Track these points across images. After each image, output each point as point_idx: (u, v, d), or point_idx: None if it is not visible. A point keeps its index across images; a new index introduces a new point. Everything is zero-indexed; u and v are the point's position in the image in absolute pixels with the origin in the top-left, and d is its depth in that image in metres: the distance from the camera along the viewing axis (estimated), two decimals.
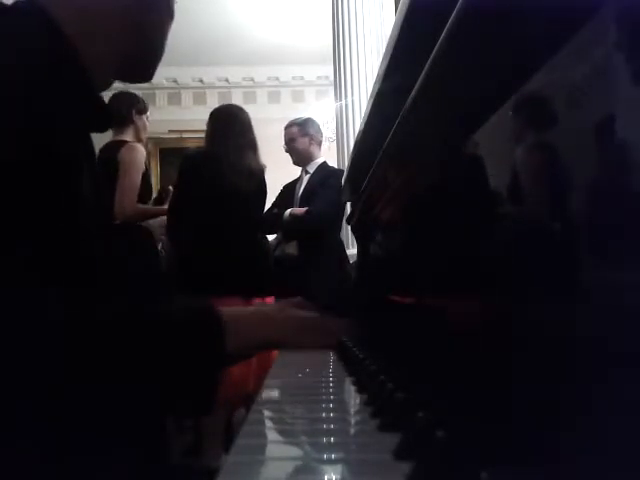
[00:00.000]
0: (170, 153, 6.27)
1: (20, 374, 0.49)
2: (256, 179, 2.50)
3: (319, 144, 2.98)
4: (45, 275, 0.55)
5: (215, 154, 2.45)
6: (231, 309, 0.68)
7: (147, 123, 2.63)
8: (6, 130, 0.53)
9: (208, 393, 0.59)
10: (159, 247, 3.54)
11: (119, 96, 2.51)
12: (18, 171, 0.54)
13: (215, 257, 2.39)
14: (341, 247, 2.97)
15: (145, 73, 0.79)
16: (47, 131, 0.57)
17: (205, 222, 2.42)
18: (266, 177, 2.59)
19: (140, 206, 2.56)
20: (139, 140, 2.58)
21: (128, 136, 2.54)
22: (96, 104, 0.70)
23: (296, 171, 3.06)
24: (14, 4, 0.66)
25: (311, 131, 2.94)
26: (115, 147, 2.45)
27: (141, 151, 2.56)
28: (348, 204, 1.60)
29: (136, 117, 2.54)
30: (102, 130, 0.73)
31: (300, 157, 2.95)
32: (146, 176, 2.61)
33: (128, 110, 2.52)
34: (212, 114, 2.59)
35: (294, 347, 0.75)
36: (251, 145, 2.51)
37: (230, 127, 2.50)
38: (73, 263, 0.59)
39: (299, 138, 2.92)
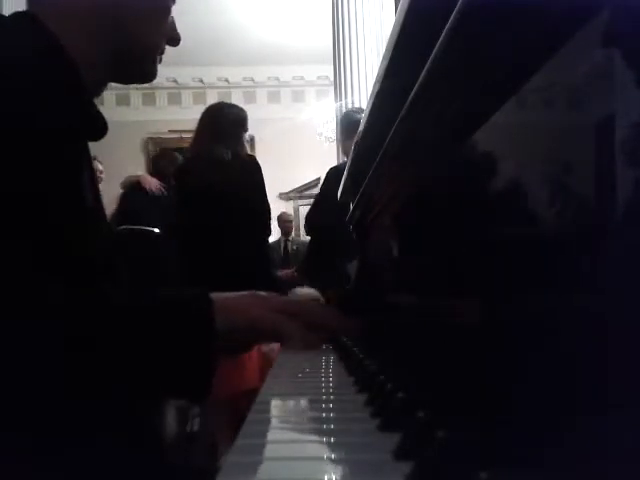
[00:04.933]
0: None
1: (15, 368, 0.50)
2: (232, 172, 2.40)
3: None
4: (45, 272, 0.55)
5: (190, 155, 2.51)
6: (225, 293, 0.67)
7: None
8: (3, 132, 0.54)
9: (203, 376, 0.58)
10: None
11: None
12: (19, 172, 0.54)
13: (201, 258, 2.38)
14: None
15: (142, 73, 0.77)
16: (43, 133, 0.58)
17: (189, 223, 2.44)
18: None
19: None
20: None
21: None
22: (91, 111, 0.70)
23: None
24: (10, 15, 0.68)
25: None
26: None
27: None
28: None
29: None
30: (97, 139, 0.73)
31: None
32: None
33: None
34: None
35: (282, 336, 0.73)
36: (222, 138, 2.43)
37: (203, 125, 2.50)
38: (74, 260, 0.59)
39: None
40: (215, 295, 0.63)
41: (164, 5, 0.75)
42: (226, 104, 2.77)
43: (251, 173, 2.48)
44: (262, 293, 0.73)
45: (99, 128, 0.72)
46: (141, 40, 0.73)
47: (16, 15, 0.68)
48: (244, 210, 2.44)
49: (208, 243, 2.39)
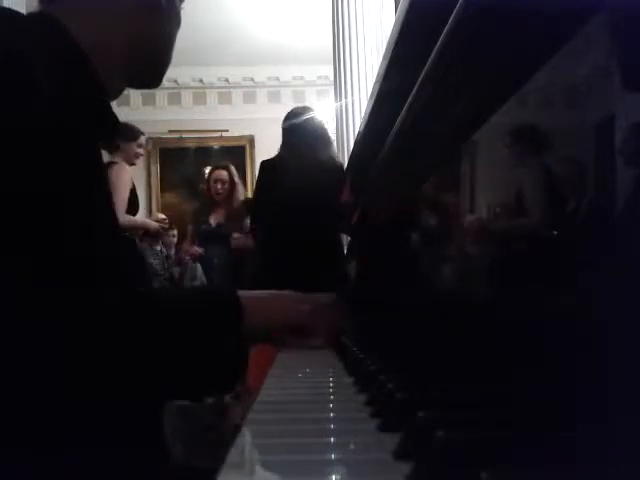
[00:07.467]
0: (170, 153, 6.27)
1: (27, 368, 0.50)
2: (318, 178, 2.42)
3: None
4: (62, 273, 0.55)
5: (275, 160, 2.54)
6: (250, 292, 0.69)
7: (137, 149, 3.07)
8: (23, 132, 0.54)
9: (231, 370, 0.61)
10: (158, 248, 3.88)
11: None
12: (35, 171, 0.54)
13: (280, 257, 2.43)
14: None
15: (155, 80, 0.79)
16: (66, 135, 0.58)
17: (271, 223, 2.49)
18: None
19: (128, 217, 2.97)
20: (130, 163, 3.03)
21: (118, 159, 2.95)
22: (107, 114, 0.70)
23: None
24: (28, 15, 0.67)
25: None
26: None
27: (127, 171, 2.98)
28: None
29: (123, 144, 2.95)
30: (110, 140, 0.74)
31: None
32: (134, 191, 3.01)
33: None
34: None
35: (310, 330, 0.76)
36: (308, 144, 2.48)
37: (287, 130, 2.54)
38: (92, 261, 0.59)
39: None
40: (245, 293, 0.65)
41: (180, 19, 0.77)
42: (307, 107, 2.75)
43: (323, 179, 2.50)
44: (287, 293, 0.75)
45: (112, 129, 0.73)
46: (165, 54, 0.75)
47: (34, 15, 0.68)
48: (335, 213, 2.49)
49: (300, 245, 2.40)
